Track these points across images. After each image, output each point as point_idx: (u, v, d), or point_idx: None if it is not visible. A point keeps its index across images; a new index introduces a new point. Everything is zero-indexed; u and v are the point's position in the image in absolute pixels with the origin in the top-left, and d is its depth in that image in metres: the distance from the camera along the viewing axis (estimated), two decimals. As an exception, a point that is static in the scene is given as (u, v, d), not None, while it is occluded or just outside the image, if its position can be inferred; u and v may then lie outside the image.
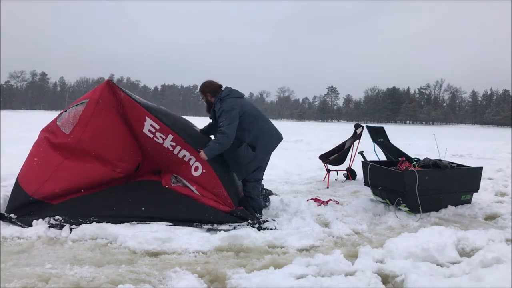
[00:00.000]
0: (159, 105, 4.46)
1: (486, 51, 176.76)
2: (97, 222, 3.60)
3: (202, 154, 3.97)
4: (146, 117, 3.92)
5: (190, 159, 4.03)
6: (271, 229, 3.78)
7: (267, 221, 3.97)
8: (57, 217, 3.65)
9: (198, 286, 2.57)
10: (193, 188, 4.01)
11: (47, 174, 3.82)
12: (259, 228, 3.74)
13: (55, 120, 4.10)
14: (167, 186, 4.04)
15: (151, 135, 3.96)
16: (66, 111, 4.10)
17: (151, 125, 3.93)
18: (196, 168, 4.03)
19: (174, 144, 3.99)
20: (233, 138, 4.02)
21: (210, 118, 4.37)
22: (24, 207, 3.78)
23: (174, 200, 3.92)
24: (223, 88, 4.23)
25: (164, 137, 3.96)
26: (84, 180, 3.91)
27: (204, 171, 4.01)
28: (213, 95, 4.21)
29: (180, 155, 4.03)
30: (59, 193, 3.84)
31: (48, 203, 3.81)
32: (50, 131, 4.06)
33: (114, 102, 3.97)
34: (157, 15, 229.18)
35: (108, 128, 3.95)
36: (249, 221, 3.88)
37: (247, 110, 4.14)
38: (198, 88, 4.37)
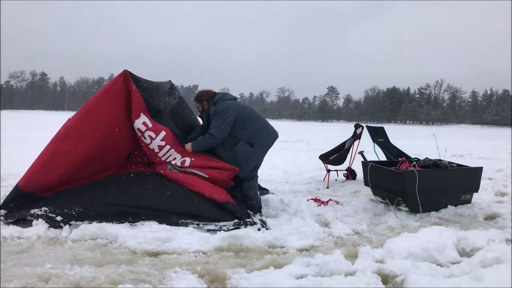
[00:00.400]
0: (171, 100, 4.55)
1: (486, 51, 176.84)
2: (84, 213, 3.61)
3: (188, 146, 4.11)
4: (141, 113, 3.93)
5: (175, 158, 4.11)
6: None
7: (255, 223, 3.86)
8: (43, 208, 3.64)
9: (198, 286, 2.57)
10: (194, 171, 4.08)
11: (38, 167, 3.77)
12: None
13: None
14: (162, 172, 4.06)
15: (139, 134, 4.00)
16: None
17: (143, 122, 3.95)
18: (183, 162, 4.13)
19: (163, 144, 4.02)
20: (220, 140, 4.14)
21: (202, 122, 4.44)
22: (14, 200, 3.77)
23: (162, 193, 3.89)
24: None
25: (154, 136, 3.98)
26: (76, 166, 3.84)
27: (193, 158, 4.12)
28: (209, 102, 4.35)
29: (164, 158, 4.11)
30: (50, 182, 3.79)
31: (41, 196, 3.79)
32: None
33: (123, 93, 3.94)
34: (157, 15, 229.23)
35: (108, 116, 3.90)
36: (236, 220, 3.84)
37: (240, 111, 4.23)
38: (194, 97, 4.51)
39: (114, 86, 3.91)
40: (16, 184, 3.82)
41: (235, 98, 4.44)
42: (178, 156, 4.12)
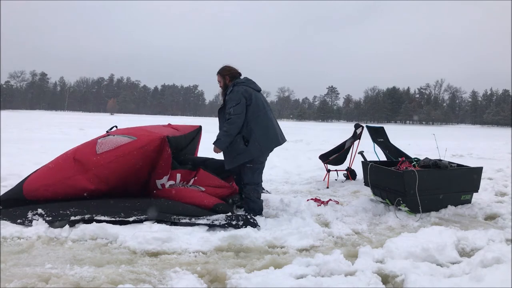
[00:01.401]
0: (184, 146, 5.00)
1: (486, 52, 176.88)
2: (76, 213, 3.63)
3: (215, 148, 4.09)
4: (169, 171, 4.26)
5: (188, 181, 4.61)
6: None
7: (248, 219, 3.81)
8: (39, 210, 3.66)
9: (198, 286, 2.57)
10: (193, 186, 4.44)
11: (49, 182, 3.85)
12: (236, 226, 3.68)
13: (103, 135, 4.23)
14: (160, 188, 4.22)
15: (161, 187, 4.24)
16: (114, 136, 4.15)
17: (167, 178, 4.32)
18: (188, 182, 4.64)
19: (181, 184, 4.49)
20: (239, 127, 4.00)
21: (222, 104, 4.31)
22: (14, 202, 3.81)
23: (156, 199, 4.00)
24: (241, 77, 4.28)
25: (173, 183, 4.42)
26: (82, 195, 3.94)
27: (196, 178, 4.62)
28: (231, 79, 4.22)
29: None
30: (51, 197, 3.86)
31: (36, 201, 3.84)
32: (87, 143, 4.17)
33: (155, 153, 4.09)
34: (157, 15, 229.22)
35: (133, 169, 4.05)
36: (229, 213, 3.88)
37: (255, 103, 4.06)
38: (217, 70, 4.31)
39: (149, 145, 4.04)
40: (21, 188, 3.86)
41: (259, 90, 4.26)
42: (191, 181, 4.64)
